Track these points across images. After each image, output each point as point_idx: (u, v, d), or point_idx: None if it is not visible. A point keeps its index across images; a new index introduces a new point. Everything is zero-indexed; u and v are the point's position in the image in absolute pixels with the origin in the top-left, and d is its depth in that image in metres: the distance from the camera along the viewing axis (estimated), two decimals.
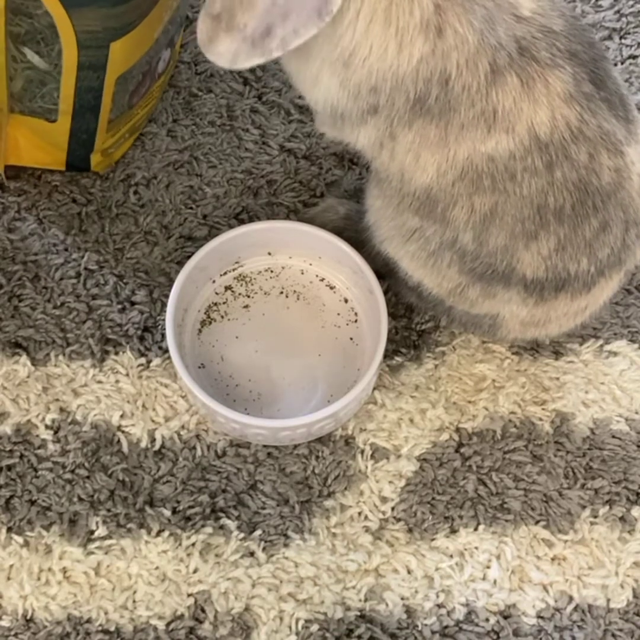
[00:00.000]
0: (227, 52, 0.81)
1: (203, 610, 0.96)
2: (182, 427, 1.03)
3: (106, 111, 1.06)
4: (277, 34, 0.78)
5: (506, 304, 0.94)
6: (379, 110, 0.85)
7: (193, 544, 0.98)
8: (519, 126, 0.83)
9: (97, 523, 0.99)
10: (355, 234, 1.05)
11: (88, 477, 1.01)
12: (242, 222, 1.13)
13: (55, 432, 1.03)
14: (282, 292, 1.08)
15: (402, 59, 0.81)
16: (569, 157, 0.85)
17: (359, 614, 0.96)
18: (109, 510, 0.99)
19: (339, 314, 1.08)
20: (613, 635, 0.96)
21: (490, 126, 0.83)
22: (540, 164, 0.85)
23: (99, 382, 1.05)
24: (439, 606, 0.97)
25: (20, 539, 0.98)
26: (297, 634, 0.95)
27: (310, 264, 1.09)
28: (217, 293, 1.08)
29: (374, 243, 1.00)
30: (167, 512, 0.99)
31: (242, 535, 0.99)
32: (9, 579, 0.97)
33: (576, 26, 0.86)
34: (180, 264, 1.08)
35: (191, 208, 1.14)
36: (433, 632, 0.95)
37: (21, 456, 1.02)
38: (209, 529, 0.99)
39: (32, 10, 0.95)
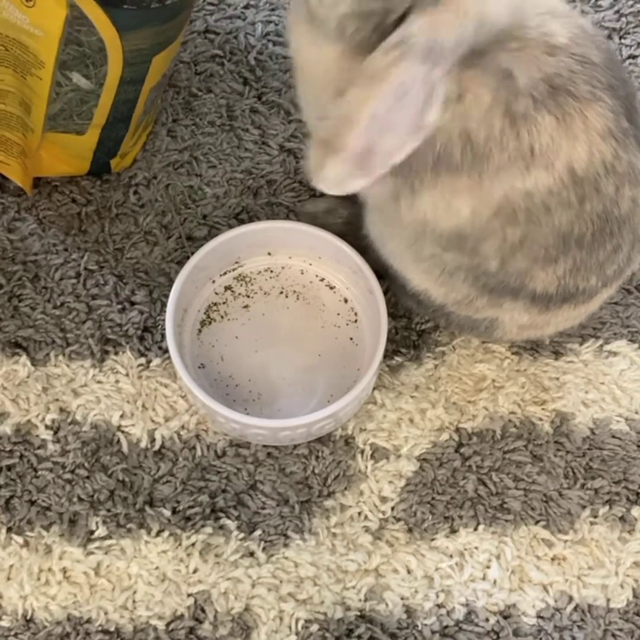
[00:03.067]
0: (335, 176, 0.80)
1: (203, 610, 0.96)
2: (182, 427, 1.03)
3: (136, 118, 1.06)
4: (378, 151, 0.77)
5: (509, 312, 0.94)
6: (399, 171, 0.83)
7: (193, 544, 0.98)
8: (558, 162, 0.83)
9: (97, 523, 0.99)
10: (355, 240, 1.04)
11: (88, 477, 1.01)
12: (242, 222, 1.13)
13: (55, 432, 1.03)
14: (282, 292, 1.08)
15: None
16: (599, 191, 0.85)
17: (359, 614, 0.96)
18: (109, 510, 0.99)
19: (338, 314, 1.08)
20: (613, 635, 0.96)
21: (528, 164, 0.82)
22: (574, 198, 0.84)
23: (99, 382, 1.05)
24: (439, 606, 0.97)
25: (20, 539, 0.98)
26: (297, 634, 0.95)
27: (310, 264, 1.09)
28: (217, 293, 1.08)
29: (379, 252, 1.00)
30: (167, 512, 0.99)
31: (242, 535, 0.99)
32: (9, 579, 0.97)
33: (613, 60, 0.86)
34: (180, 264, 1.08)
35: (191, 208, 1.14)
36: (433, 632, 0.96)
37: (21, 456, 1.02)
38: (208, 529, 0.99)
39: (83, 38, 0.95)
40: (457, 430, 1.04)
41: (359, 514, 1.00)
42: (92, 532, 0.99)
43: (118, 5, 0.91)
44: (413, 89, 0.75)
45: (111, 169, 1.14)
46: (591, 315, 1.00)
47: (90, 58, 0.97)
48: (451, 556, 0.99)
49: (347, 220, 1.08)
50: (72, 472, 1.01)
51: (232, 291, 1.08)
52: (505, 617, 0.97)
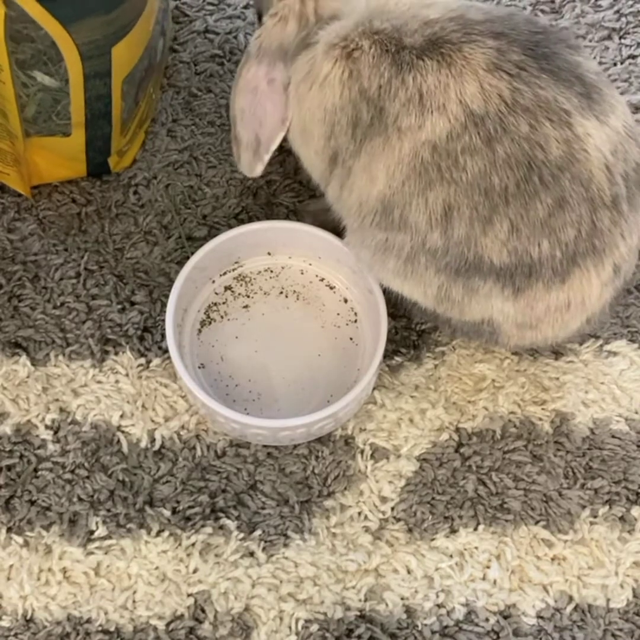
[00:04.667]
0: (247, 164, 1.00)
1: (203, 610, 0.96)
2: (182, 427, 1.03)
3: (118, 114, 1.06)
4: (262, 140, 0.98)
5: (489, 300, 0.94)
6: (337, 157, 0.94)
7: (193, 544, 0.98)
8: (450, 103, 0.86)
9: (97, 523, 0.99)
10: None
11: (88, 477, 1.01)
12: (241, 222, 1.13)
13: (55, 432, 1.03)
14: (281, 292, 1.08)
15: (329, 93, 0.92)
16: (508, 131, 0.85)
17: (359, 614, 0.96)
18: (109, 510, 0.99)
19: (338, 314, 1.08)
20: (613, 635, 0.96)
21: (421, 109, 0.87)
22: (478, 141, 0.86)
23: (99, 382, 1.05)
24: (439, 606, 0.97)
25: (20, 539, 0.98)
26: (297, 634, 0.95)
27: (310, 264, 1.10)
28: (216, 293, 1.08)
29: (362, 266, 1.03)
30: (167, 512, 0.99)
31: (242, 535, 0.99)
32: (9, 579, 0.97)
33: (511, 19, 0.90)
34: (180, 264, 1.08)
35: (191, 208, 1.14)
36: (433, 632, 0.96)
37: (21, 456, 1.02)
38: (208, 529, 0.99)
39: (33, 34, 0.95)
40: (457, 430, 1.04)
41: (359, 514, 1.00)
42: (92, 532, 0.99)
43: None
44: (260, 85, 0.96)
45: (111, 169, 1.14)
46: (589, 320, 0.98)
47: (46, 54, 0.97)
48: (451, 556, 0.99)
49: None
50: (72, 472, 1.01)
51: (232, 291, 1.08)
52: (505, 617, 0.97)
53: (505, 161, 0.86)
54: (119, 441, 1.02)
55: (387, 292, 1.04)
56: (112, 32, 0.97)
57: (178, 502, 1.00)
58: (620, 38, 1.25)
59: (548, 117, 0.85)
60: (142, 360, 1.06)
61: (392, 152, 0.89)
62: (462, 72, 0.86)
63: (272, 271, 1.10)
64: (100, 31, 0.96)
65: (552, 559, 0.99)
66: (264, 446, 1.02)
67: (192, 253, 1.05)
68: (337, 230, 1.06)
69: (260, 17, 1.04)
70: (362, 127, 0.91)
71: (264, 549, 0.98)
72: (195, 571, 0.98)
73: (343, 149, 0.93)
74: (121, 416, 1.03)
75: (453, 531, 1.00)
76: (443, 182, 0.88)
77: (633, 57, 1.24)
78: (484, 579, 0.98)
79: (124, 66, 1.01)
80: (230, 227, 1.12)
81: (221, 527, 0.99)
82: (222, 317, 1.07)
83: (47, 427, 1.03)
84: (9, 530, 0.99)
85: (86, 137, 1.07)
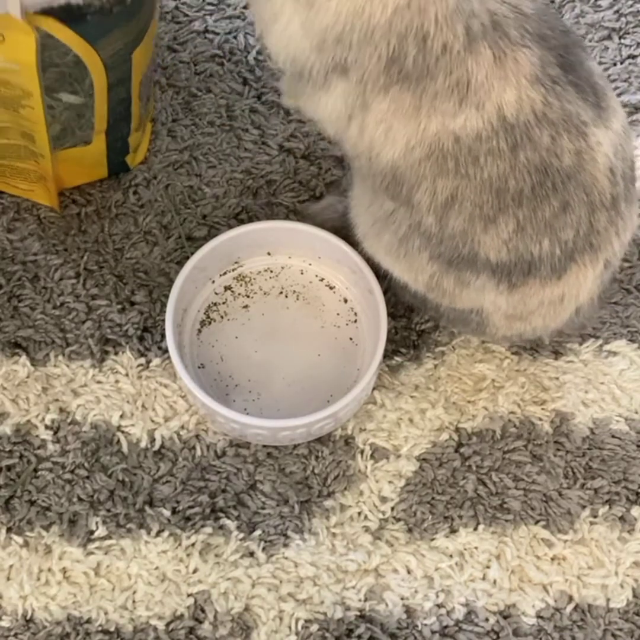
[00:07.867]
0: None
1: (203, 610, 0.96)
2: (182, 427, 1.03)
3: (137, 113, 1.06)
4: None
5: (482, 293, 0.94)
6: (348, 71, 0.83)
7: (193, 544, 0.98)
8: (489, 104, 0.84)
9: (96, 523, 0.99)
10: (353, 233, 1.04)
11: (88, 477, 1.01)
12: (241, 222, 1.13)
13: (55, 432, 1.03)
14: (281, 292, 1.08)
15: (375, 6, 0.79)
16: (532, 140, 0.86)
17: (358, 614, 0.96)
18: (108, 510, 0.99)
19: (338, 314, 1.08)
20: (613, 635, 0.96)
21: (462, 99, 0.84)
22: (505, 147, 0.85)
23: (99, 382, 1.05)
24: (439, 606, 0.97)
25: (20, 539, 0.98)
26: (297, 634, 0.95)
27: (310, 264, 1.10)
28: (216, 293, 1.08)
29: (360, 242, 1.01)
30: (167, 512, 0.99)
31: (241, 535, 0.99)
32: (9, 579, 0.97)
33: (547, 13, 0.88)
34: (180, 264, 1.08)
35: (191, 208, 1.14)
36: (433, 632, 0.96)
37: (21, 456, 1.02)
38: (208, 529, 0.99)
39: (58, 60, 0.95)
40: (457, 430, 1.04)
41: (359, 514, 1.00)
42: (92, 532, 0.99)
43: (82, 19, 0.91)
44: None
45: (129, 166, 1.14)
46: (578, 311, 0.98)
47: (71, 75, 0.97)
48: (451, 556, 0.99)
49: (344, 213, 1.08)
50: (72, 472, 1.01)
51: (232, 291, 1.08)
52: (505, 617, 0.97)
53: (525, 166, 0.86)
54: (118, 441, 1.02)
55: (387, 293, 1.04)
56: (132, 39, 0.97)
57: (178, 502, 1.00)
58: (620, 38, 1.25)
59: (567, 129, 0.86)
60: (142, 360, 1.06)
61: (417, 125, 0.85)
62: (508, 75, 0.84)
63: (272, 271, 1.10)
64: (123, 41, 0.96)
65: (552, 559, 0.99)
66: (264, 446, 1.02)
67: (192, 253, 1.05)
68: (337, 231, 1.06)
69: None
70: (398, 67, 0.82)
71: (264, 549, 0.98)
72: (195, 571, 0.98)
73: (366, 73, 0.83)
74: (121, 416, 1.03)
75: (453, 531, 1.00)
76: (457, 174, 0.87)
77: (633, 57, 1.24)
78: (484, 579, 0.98)
79: (141, 67, 1.01)
80: (230, 227, 1.12)
81: (221, 527, 0.99)
82: (222, 317, 1.07)
83: (47, 427, 1.03)
84: (9, 530, 0.99)
85: (107, 142, 1.07)
